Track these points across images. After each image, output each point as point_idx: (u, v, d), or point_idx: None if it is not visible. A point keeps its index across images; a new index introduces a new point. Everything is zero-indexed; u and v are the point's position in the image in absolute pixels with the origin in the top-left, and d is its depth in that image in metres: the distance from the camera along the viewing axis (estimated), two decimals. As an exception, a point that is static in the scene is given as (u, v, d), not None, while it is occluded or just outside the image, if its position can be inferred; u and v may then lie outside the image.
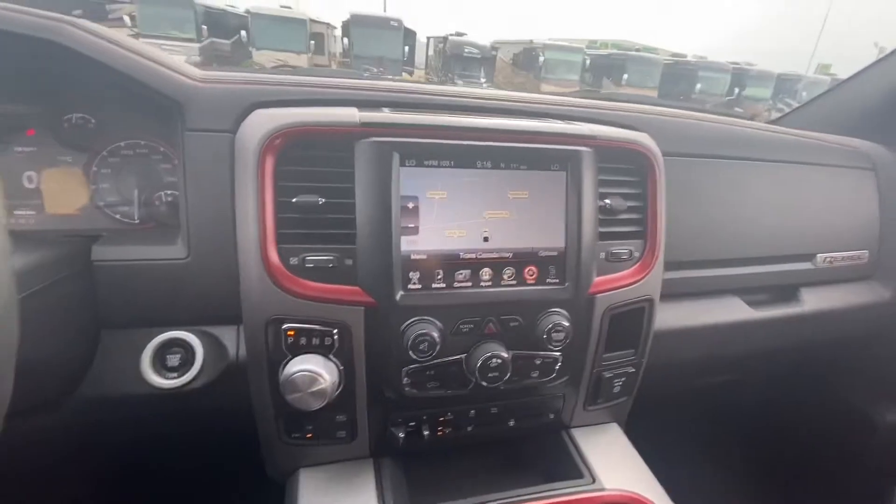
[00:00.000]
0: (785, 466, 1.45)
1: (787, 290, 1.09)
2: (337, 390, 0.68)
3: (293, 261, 0.64)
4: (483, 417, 0.78)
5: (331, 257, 0.65)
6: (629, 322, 0.82)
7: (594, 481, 0.76)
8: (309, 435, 0.72)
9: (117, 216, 0.79)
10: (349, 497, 0.70)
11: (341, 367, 0.68)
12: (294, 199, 0.64)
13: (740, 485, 1.46)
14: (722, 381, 1.33)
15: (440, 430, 0.77)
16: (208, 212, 0.69)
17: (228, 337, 0.74)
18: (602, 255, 0.77)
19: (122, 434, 0.79)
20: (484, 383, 0.69)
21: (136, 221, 0.80)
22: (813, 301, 1.08)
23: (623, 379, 0.86)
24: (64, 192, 0.78)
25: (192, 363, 0.72)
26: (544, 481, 0.76)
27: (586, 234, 0.73)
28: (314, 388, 0.64)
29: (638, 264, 0.80)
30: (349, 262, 0.65)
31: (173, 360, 0.72)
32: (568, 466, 0.80)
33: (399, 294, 0.66)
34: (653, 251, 0.80)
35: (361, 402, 0.71)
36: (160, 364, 0.72)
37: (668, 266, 0.86)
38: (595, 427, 0.88)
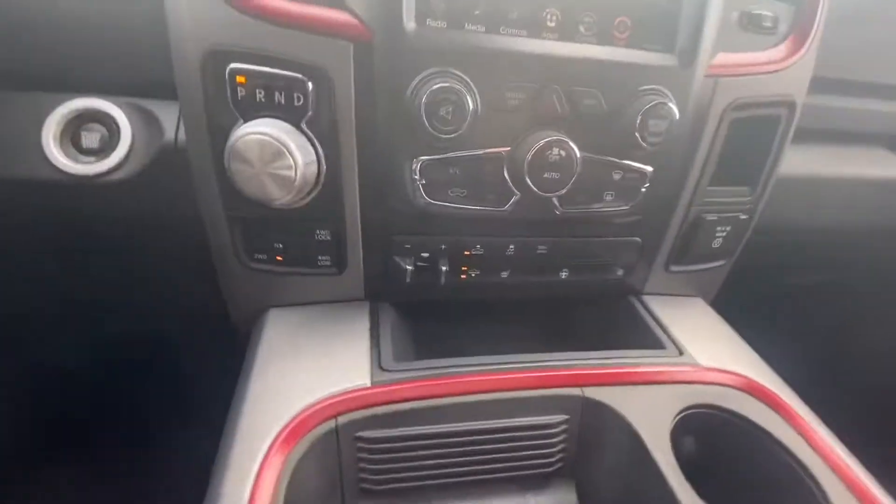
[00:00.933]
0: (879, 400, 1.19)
1: None
2: (316, 185, 0.45)
3: (244, -45, 0.39)
4: (525, 259, 0.55)
5: (304, -50, 0.39)
6: (754, 139, 0.55)
7: (681, 354, 0.53)
8: (279, 257, 0.51)
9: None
10: (328, 344, 0.49)
11: (319, 147, 0.44)
12: None
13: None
14: (817, 281, 1.05)
15: (463, 273, 0.55)
16: None
17: (168, 114, 0.52)
18: (734, 14, 0.49)
19: (23, 235, 0.59)
20: (535, 188, 0.45)
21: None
22: None
23: (728, 229, 0.60)
24: None
25: (115, 145, 0.51)
26: (606, 349, 0.53)
27: None
28: (277, 168, 0.41)
29: (786, 41, 0.52)
30: (333, -37, 0.40)
31: (91, 139, 0.51)
32: (641, 335, 0.58)
33: (410, 25, 0.41)
34: (809, 24, 0.52)
35: (353, 212, 0.49)
36: (71, 144, 0.51)
37: (813, 83, 0.56)
38: (675, 298, 0.64)
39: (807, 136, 0.64)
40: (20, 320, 0.73)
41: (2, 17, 0.46)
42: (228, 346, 0.60)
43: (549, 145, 0.44)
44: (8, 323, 0.71)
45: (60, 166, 0.49)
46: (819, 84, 0.57)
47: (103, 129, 0.51)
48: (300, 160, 0.42)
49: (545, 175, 0.45)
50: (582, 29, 0.45)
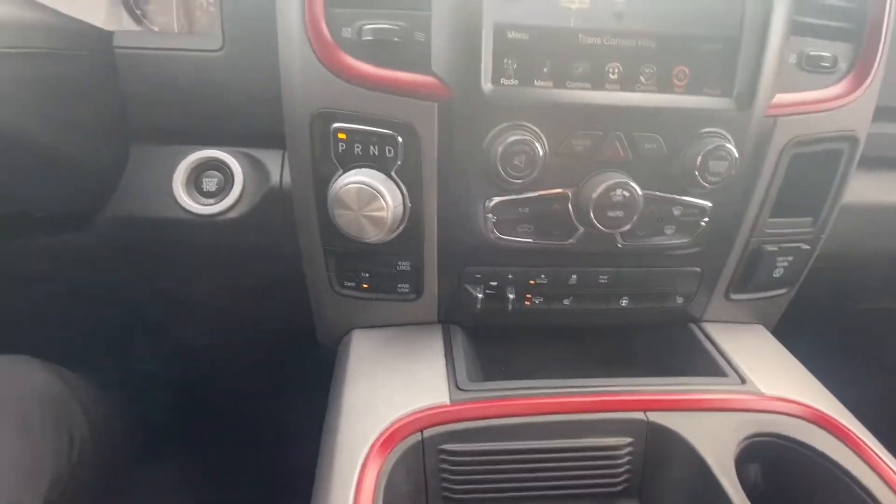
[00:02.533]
0: None
1: None
2: (401, 223, 0.52)
3: (346, 32, 0.47)
4: (586, 288, 0.59)
5: (396, 26, 0.46)
6: (816, 171, 0.57)
7: (743, 382, 0.55)
8: (365, 285, 0.58)
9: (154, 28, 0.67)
10: (409, 363, 0.55)
11: (406, 191, 0.51)
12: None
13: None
14: (882, 308, 1.01)
15: (528, 300, 0.59)
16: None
17: (272, 161, 0.61)
18: (792, 57, 0.52)
19: (155, 262, 0.70)
20: (599, 226, 0.49)
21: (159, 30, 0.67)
22: None
23: (790, 259, 0.61)
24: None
25: (230, 188, 0.59)
26: (667, 375, 0.56)
27: (776, 19, 0.47)
28: (371, 210, 0.48)
29: (846, 79, 0.53)
30: (420, 36, 0.47)
31: (210, 184, 0.60)
32: (703, 363, 0.59)
33: (487, 85, 0.47)
34: (870, 61, 0.53)
35: (431, 246, 0.55)
36: (196, 189, 0.60)
37: (879, 113, 0.57)
38: (736, 326, 0.66)
39: (872, 162, 0.64)
40: (142, 329, 0.85)
41: (154, 87, 0.56)
42: (314, 361, 0.68)
43: (614, 187, 0.48)
44: (131, 331, 0.85)
45: (187, 207, 0.58)
46: (884, 112, 0.57)
47: (220, 175, 0.60)
48: (391, 203, 0.49)
49: (609, 213, 0.49)
50: (642, 79, 0.49)
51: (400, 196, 0.50)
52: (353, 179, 0.48)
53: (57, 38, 0.49)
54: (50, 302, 0.75)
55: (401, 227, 0.52)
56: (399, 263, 0.56)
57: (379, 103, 0.48)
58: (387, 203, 0.48)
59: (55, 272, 0.68)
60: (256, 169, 0.60)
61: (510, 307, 0.57)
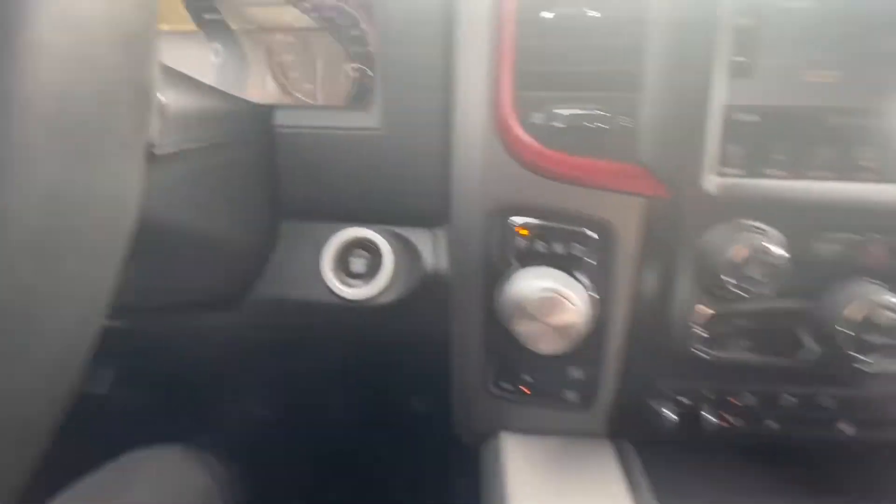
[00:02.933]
0: None
1: None
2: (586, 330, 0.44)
3: (536, 117, 0.41)
4: (802, 410, 0.47)
5: (598, 111, 0.40)
6: None
7: None
8: (525, 389, 0.50)
9: (297, 94, 0.66)
10: (582, 486, 0.47)
11: (594, 295, 0.43)
12: (545, 14, 0.40)
13: None
14: None
15: (724, 420, 0.49)
16: (411, 66, 0.50)
17: (422, 241, 0.56)
18: None
19: (295, 345, 0.68)
20: (855, 354, 0.39)
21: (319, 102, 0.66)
22: None
23: None
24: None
25: (377, 270, 0.55)
26: None
27: None
28: (557, 320, 0.41)
29: None
30: (626, 121, 0.40)
31: (358, 265, 0.56)
32: None
33: (710, 178, 0.38)
34: None
35: (614, 355, 0.46)
36: (343, 269, 0.57)
37: None
38: None
39: None
40: (284, 414, 0.85)
41: (311, 165, 0.54)
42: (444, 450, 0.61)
43: (877, 309, 0.37)
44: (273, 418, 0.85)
45: (336, 290, 0.55)
46: None
47: (368, 256, 0.56)
48: (580, 310, 0.41)
49: (866, 338, 0.38)
50: (908, 167, 0.38)
51: (588, 300, 0.43)
52: (539, 285, 0.41)
53: (232, 125, 0.48)
54: (195, 386, 0.76)
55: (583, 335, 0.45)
56: (570, 370, 0.48)
57: (571, 197, 0.41)
58: (577, 311, 0.41)
59: (200, 355, 0.68)
60: (407, 251, 0.56)
61: (705, 428, 0.47)
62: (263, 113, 0.55)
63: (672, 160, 0.39)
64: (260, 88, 0.63)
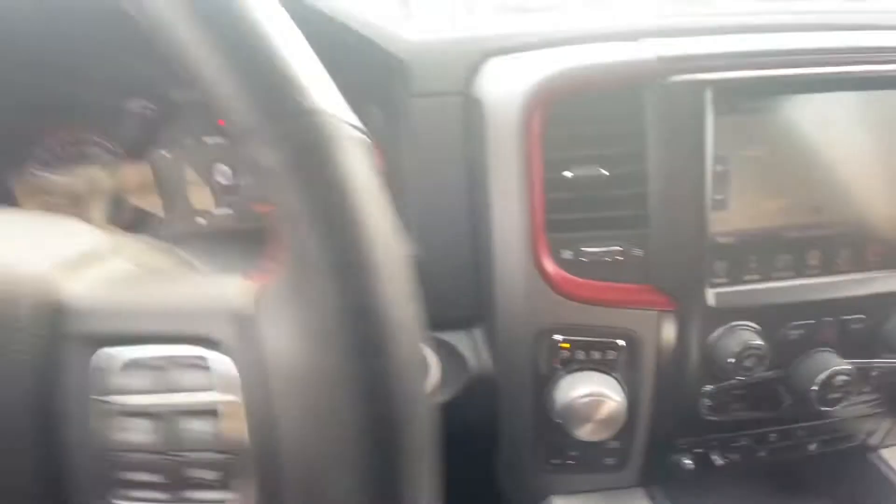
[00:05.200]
0: None
1: None
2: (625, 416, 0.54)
3: (566, 254, 0.50)
4: (783, 441, 0.60)
5: (617, 247, 0.49)
6: None
7: None
8: (571, 462, 0.60)
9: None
10: None
11: (626, 388, 0.53)
12: (566, 174, 0.49)
13: None
14: None
15: (726, 458, 0.61)
16: (438, 199, 0.57)
17: (462, 344, 0.64)
18: None
19: None
20: (821, 407, 0.51)
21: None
22: None
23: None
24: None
25: (427, 376, 0.62)
26: None
27: None
28: (604, 416, 0.50)
29: None
30: (638, 252, 0.50)
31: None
32: (882, 490, 0.60)
33: (710, 293, 0.49)
34: None
35: (642, 427, 0.57)
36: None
37: None
38: None
39: None
40: None
41: None
42: None
43: (833, 376, 0.50)
44: None
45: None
46: None
47: (413, 363, 0.63)
48: (619, 403, 0.51)
49: (830, 396, 0.51)
50: (840, 261, 0.52)
51: (624, 395, 0.53)
52: (585, 391, 0.50)
53: None
54: None
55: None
56: (609, 443, 0.58)
57: (601, 315, 0.51)
58: (617, 405, 0.50)
59: None
60: (450, 354, 0.63)
61: (713, 465, 0.59)
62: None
63: (678, 280, 0.49)
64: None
